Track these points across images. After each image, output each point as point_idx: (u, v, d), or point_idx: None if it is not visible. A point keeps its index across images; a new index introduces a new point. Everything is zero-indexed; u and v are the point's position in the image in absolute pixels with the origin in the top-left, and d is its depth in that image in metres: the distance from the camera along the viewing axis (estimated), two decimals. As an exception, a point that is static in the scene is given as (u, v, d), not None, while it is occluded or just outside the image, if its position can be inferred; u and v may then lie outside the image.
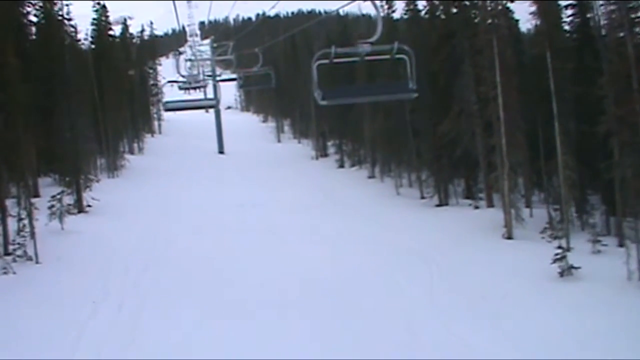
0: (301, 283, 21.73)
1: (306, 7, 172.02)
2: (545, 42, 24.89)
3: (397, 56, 8.75)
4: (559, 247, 21.43)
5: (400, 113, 38.98)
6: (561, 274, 21.23)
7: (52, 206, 27.24)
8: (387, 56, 8.77)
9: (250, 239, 27.79)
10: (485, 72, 28.50)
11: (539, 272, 21.88)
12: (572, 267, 21.11)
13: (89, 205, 33.10)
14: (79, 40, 44.92)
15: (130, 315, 18.48)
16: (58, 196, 27.69)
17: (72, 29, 40.12)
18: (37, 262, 22.83)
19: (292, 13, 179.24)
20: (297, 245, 26.92)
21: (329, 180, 47.04)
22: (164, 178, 45.58)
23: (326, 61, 8.76)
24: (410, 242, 27.14)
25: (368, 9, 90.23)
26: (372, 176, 47.42)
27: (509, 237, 27.32)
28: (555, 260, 21.27)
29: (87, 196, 33.33)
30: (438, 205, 35.71)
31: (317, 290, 21.06)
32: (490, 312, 19.20)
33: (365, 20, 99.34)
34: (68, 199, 30.63)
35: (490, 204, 33.47)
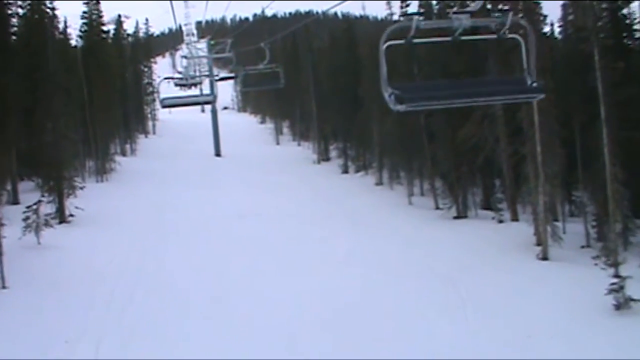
0: (311, 316, 18.51)
1: (304, 7, 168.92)
2: (593, 39, 21.76)
3: (510, 36, 5.77)
4: (616, 276, 18.32)
5: (413, 115, 35.75)
6: (617, 307, 18.22)
7: (27, 218, 24.06)
8: (494, 36, 5.80)
9: (252, 258, 24.34)
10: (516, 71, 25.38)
11: (588, 304, 18.87)
12: (631, 299, 18.06)
13: (72, 215, 29.83)
14: (64, 34, 41.93)
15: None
16: (34, 206, 24.48)
17: (59, 22, 37.28)
18: (3, 287, 19.68)
19: (290, 13, 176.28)
20: (303, 267, 23.54)
21: (334, 187, 43.88)
22: (156, 183, 42.49)
23: (401, 42, 5.70)
24: (432, 262, 24.00)
25: (369, 10, 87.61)
26: (379, 183, 44.28)
27: (545, 258, 24.19)
28: (610, 291, 18.23)
29: (70, 204, 30.06)
30: (456, 218, 32.56)
31: (329, 326, 17.88)
32: (540, 355, 16.25)
33: (364, 21, 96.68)
34: (49, 208, 27.62)
35: (515, 218, 30.47)
